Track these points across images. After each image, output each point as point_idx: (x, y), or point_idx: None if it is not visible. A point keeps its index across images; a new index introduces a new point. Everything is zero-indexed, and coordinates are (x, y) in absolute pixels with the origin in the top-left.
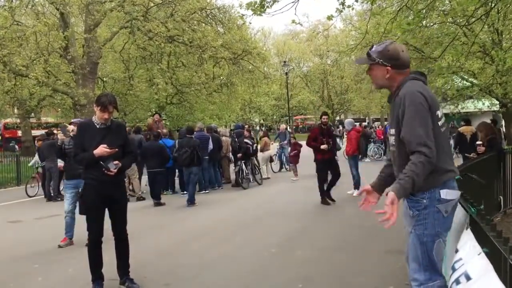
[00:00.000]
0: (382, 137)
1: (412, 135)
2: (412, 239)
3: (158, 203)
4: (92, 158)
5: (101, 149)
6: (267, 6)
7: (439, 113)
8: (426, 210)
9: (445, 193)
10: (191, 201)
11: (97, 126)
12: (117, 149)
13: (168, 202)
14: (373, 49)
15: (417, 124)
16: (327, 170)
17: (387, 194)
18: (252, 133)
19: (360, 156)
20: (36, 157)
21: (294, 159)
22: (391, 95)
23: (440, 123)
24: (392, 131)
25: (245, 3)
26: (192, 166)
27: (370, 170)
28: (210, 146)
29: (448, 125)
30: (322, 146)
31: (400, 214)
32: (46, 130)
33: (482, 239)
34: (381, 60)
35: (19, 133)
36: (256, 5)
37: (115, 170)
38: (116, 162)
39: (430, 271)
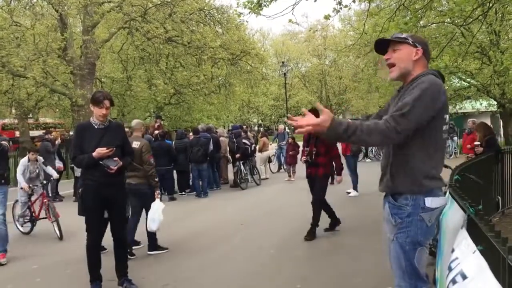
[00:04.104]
0: None
1: (407, 107)
2: (394, 247)
3: (172, 198)
4: (91, 160)
5: (98, 152)
6: (265, 5)
7: (447, 117)
8: (409, 218)
9: (430, 201)
10: (205, 193)
11: (96, 127)
12: (114, 149)
13: (165, 203)
14: (400, 34)
15: (420, 108)
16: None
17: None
18: (249, 134)
19: (362, 156)
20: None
21: (291, 159)
22: (402, 87)
23: (444, 127)
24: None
25: (242, 2)
26: (204, 163)
27: (371, 170)
28: (211, 147)
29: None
30: (303, 159)
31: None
32: (44, 131)
33: (480, 239)
34: (412, 40)
35: (17, 133)
36: (253, 4)
37: (116, 168)
38: (116, 158)
39: (415, 278)
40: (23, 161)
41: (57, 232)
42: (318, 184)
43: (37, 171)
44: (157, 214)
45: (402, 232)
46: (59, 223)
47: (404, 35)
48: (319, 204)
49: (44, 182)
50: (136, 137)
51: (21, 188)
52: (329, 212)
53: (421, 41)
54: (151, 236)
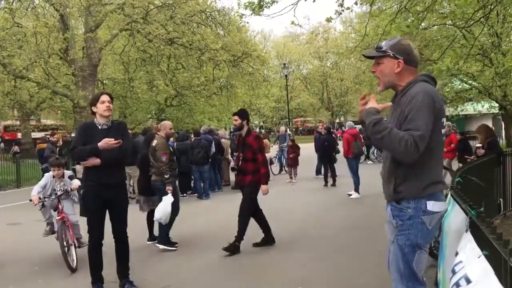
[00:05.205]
0: None
1: (417, 122)
2: (394, 249)
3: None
4: (94, 150)
5: (105, 142)
6: (266, 7)
7: (444, 120)
8: (410, 220)
9: (431, 205)
10: (206, 195)
11: (99, 127)
12: (120, 141)
13: None
14: (384, 43)
15: (425, 117)
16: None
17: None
18: None
19: (363, 158)
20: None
21: (292, 161)
22: (396, 95)
23: (443, 131)
24: None
25: (243, 3)
26: (205, 165)
27: (372, 172)
28: (213, 149)
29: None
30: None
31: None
32: (50, 132)
33: (482, 241)
34: (393, 53)
35: (19, 135)
36: (254, 6)
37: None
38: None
39: (412, 281)
40: (48, 175)
41: (70, 260)
42: (244, 192)
43: (63, 189)
44: (168, 207)
45: (402, 234)
46: (75, 250)
47: (384, 47)
48: (245, 215)
49: (61, 191)
50: (158, 136)
51: (45, 215)
52: (263, 226)
53: (402, 51)
54: (162, 229)
